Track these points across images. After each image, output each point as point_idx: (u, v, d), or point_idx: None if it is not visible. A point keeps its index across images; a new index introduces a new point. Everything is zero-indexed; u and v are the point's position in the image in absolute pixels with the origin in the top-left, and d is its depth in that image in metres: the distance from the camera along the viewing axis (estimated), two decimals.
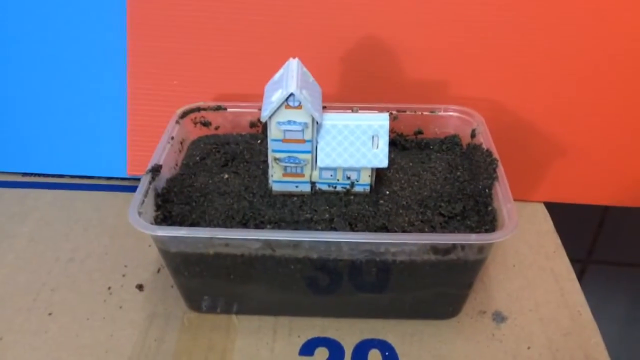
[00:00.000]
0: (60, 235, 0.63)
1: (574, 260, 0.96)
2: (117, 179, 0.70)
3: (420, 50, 0.63)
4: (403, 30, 0.62)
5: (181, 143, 0.59)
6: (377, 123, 0.51)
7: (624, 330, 1.07)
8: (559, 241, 0.62)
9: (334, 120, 0.51)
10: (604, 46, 0.61)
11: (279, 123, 0.49)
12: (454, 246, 0.47)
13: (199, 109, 0.61)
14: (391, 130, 0.59)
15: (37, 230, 0.63)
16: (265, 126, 0.50)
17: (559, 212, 0.67)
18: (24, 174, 0.71)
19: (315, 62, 0.62)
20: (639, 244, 0.95)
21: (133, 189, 0.67)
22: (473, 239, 0.46)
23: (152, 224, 0.50)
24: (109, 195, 0.68)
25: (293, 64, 0.51)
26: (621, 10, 0.60)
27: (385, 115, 0.51)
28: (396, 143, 0.61)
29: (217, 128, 0.62)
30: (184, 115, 0.60)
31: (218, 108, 0.62)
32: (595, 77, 0.62)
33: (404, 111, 0.61)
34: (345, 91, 0.64)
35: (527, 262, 0.60)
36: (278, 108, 0.48)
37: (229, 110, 0.62)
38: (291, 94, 0.47)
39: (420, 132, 0.62)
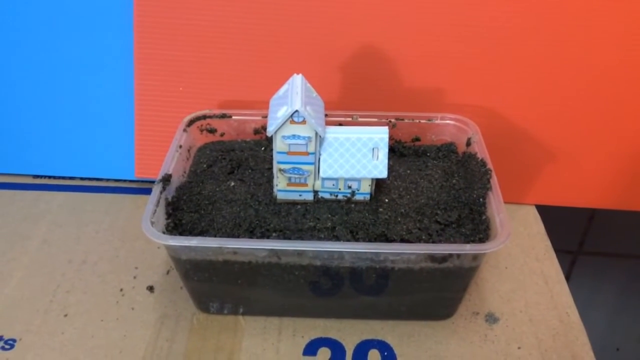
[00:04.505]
0: (72, 237, 0.65)
1: (565, 252, 1.00)
2: (125, 181, 0.73)
3: (418, 60, 0.65)
4: (401, 40, 0.64)
5: (188, 150, 0.62)
6: (378, 136, 0.53)
7: (613, 318, 1.11)
8: (549, 243, 0.65)
9: (336, 133, 0.53)
10: (592, 54, 0.64)
11: (284, 137, 0.52)
12: (450, 255, 0.50)
13: (205, 117, 0.64)
14: (390, 138, 0.62)
15: (49, 233, 0.66)
16: (270, 138, 0.52)
17: (552, 206, 0.70)
18: (35, 176, 0.74)
19: (317, 71, 0.65)
20: (628, 235, 0.98)
21: (141, 191, 0.71)
22: (467, 249, 0.49)
23: (163, 232, 0.52)
24: (118, 198, 0.71)
25: (297, 79, 0.53)
26: (609, 20, 0.62)
27: (385, 129, 0.54)
28: (394, 150, 0.63)
29: (222, 135, 0.65)
30: (191, 123, 0.63)
31: (223, 116, 0.64)
32: (584, 85, 0.65)
33: (402, 119, 0.64)
34: (346, 99, 0.66)
35: (518, 264, 0.63)
36: (283, 123, 0.51)
37: (233, 117, 0.64)
38: (296, 111, 0.50)
39: (417, 139, 0.64)
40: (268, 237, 0.52)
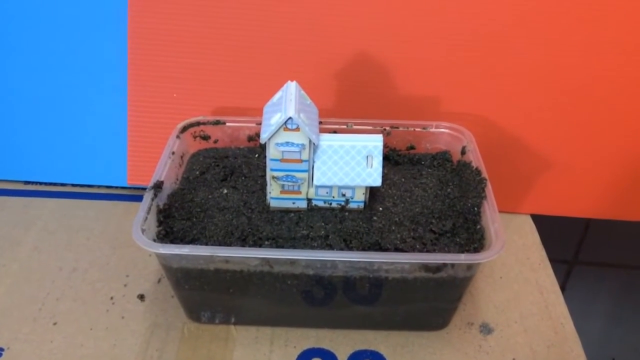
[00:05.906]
0: (62, 244, 0.64)
1: (561, 262, 0.99)
2: (117, 187, 0.72)
3: (413, 68, 0.65)
4: (396, 48, 0.64)
5: (181, 157, 0.61)
6: (372, 144, 0.53)
7: (608, 328, 1.10)
8: (544, 253, 0.65)
9: (330, 140, 0.53)
10: (588, 64, 0.64)
11: (277, 144, 0.51)
12: (444, 265, 0.49)
13: (198, 124, 0.63)
14: (384, 146, 0.61)
15: (40, 240, 0.65)
16: (264, 145, 0.52)
17: (548, 216, 0.70)
18: (26, 182, 0.73)
19: (311, 78, 0.64)
20: (623, 245, 0.97)
21: (133, 198, 0.70)
22: (462, 258, 0.48)
23: (154, 240, 0.52)
24: (109, 205, 0.70)
25: (291, 86, 0.52)
26: (606, 29, 0.62)
27: (380, 137, 0.53)
28: (389, 158, 0.63)
29: (216, 142, 0.64)
30: (184, 129, 0.62)
31: (217, 122, 0.63)
32: (579, 94, 0.65)
33: (397, 127, 0.63)
34: (340, 107, 0.66)
35: (513, 274, 0.62)
36: (277, 130, 0.50)
37: (227, 124, 0.64)
38: (289, 118, 0.49)
39: (412, 148, 0.64)
40: (260, 246, 0.52)
